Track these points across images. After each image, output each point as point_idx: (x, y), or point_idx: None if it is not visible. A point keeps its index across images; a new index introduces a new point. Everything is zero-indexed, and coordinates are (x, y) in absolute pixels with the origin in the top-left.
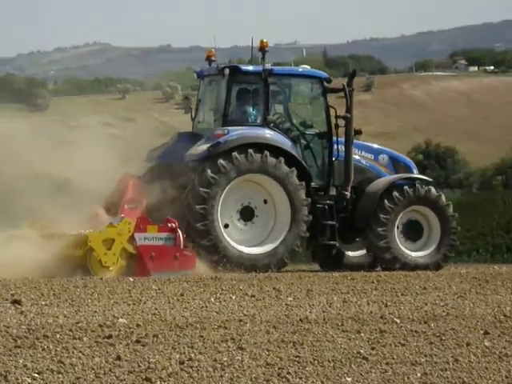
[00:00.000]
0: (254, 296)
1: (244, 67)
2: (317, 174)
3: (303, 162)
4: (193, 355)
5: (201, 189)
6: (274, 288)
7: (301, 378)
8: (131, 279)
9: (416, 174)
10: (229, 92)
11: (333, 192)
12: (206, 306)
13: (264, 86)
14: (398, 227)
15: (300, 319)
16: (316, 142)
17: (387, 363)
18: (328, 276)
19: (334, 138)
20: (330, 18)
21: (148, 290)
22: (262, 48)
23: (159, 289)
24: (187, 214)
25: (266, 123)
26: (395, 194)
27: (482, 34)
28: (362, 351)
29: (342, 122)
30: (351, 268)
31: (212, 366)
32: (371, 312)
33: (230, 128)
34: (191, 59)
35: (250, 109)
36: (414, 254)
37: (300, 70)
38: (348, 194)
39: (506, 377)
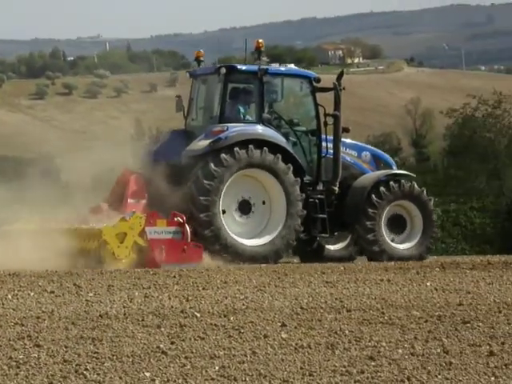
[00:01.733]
0: (53, 292)
1: (240, 66)
2: (307, 170)
3: (298, 159)
4: None
5: (205, 181)
6: (74, 284)
7: (99, 374)
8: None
9: (400, 170)
10: (225, 90)
11: (320, 187)
12: (3, 304)
13: (259, 84)
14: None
15: (100, 315)
16: (306, 139)
17: (186, 357)
18: (130, 271)
19: (323, 136)
20: (134, 12)
21: None
22: (258, 48)
23: None
24: (191, 206)
25: (261, 121)
26: (382, 189)
27: (282, 31)
28: (161, 346)
29: (330, 120)
30: (331, 260)
31: (7, 364)
32: (172, 306)
33: (229, 125)
34: None
35: (246, 107)
36: (399, 246)
37: (292, 69)
38: (336, 189)
39: (301, 368)
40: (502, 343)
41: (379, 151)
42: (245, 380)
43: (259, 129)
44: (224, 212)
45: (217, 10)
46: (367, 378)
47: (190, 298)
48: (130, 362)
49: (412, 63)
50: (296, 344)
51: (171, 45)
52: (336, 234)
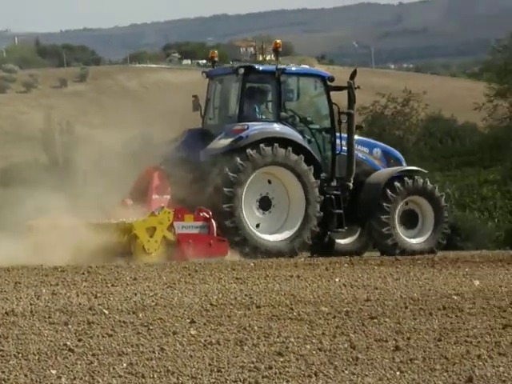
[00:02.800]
0: None
1: (258, 66)
2: (322, 167)
3: (318, 159)
4: None
5: (230, 173)
6: None
7: (3, 372)
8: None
9: (413, 167)
10: (243, 90)
11: (335, 183)
12: None
13: (277, 84)
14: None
15: (6, 312)
16: (320, 137)
17: (93, 354)
18: (38, 268)
19: (337, 134)
20: (43, 6)
21: None
22: (276, 48)
23: None
24: (214, 197)
25: (279, 119)
26: (397, 184)
27: (194, 27)
28: (68, 343)
29: (343, 118)
30: (342, 254)
31: None
32: (80, 304)
33: (249, 123)
34: None
35: (263, 106)
36: (411, 240)
37: (307, 69)
38: (351, 185)
39: (210, 364)
40: (408, 338)
41: (389, 148)
42: (152, 377)
43: (278, 127)
44: (245, 199)
45: (128, 5)
46: (275, 373)
47: (98, 294)
48: (36, 359)
49: (323, 61)
50: (205, 340)
51: (81, 40)
52: (346, 228)
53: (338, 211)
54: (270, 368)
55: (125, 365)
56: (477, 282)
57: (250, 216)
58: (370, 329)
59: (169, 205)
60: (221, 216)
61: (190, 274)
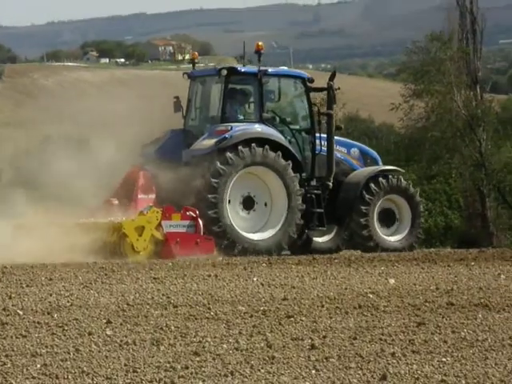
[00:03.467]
0: None
1: (241, 68)
2: (303, 167)
3: (297, 156)
4: None
5: (212, 179)
6: None
7: None
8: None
9: (389, 166)
10: (226, 91)
11: (314, 183)
12: None
13: (259, 85)
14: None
15: None
16: (301, 137)
17: (7, 355)
18: None
19: (316, 134)
20: None
21: None
22: (258, 50)
23: None
24: (200, 203)
25: (261, 120)
26: (373, 185)
27: (112, 25)
28: None
29: (323, 119)
30: (319, 252)
31: None
32: None
33: (232, 124)
34: None
35: (246, 107)
36: (391, 238)
37: (288, 70)
38: (331, 184)
39: (125, 364)
40: (324, 337)
41: (366, 147)
42: (67, 378)
43: (261, 128)
44: (229, 202)
45: (44, 3)
46: (191, 373)
47: (13, 295)
48: None
49: (242, 61)
50: (121, 341)
51: None
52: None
53: (318, 210)
54: (187, 368)
55: (39, 366)
56: (392, 281)
57: (235, 217)
58: (287, 328)
59: (154, 204)
60: (208, 221)
61: (106, 274)
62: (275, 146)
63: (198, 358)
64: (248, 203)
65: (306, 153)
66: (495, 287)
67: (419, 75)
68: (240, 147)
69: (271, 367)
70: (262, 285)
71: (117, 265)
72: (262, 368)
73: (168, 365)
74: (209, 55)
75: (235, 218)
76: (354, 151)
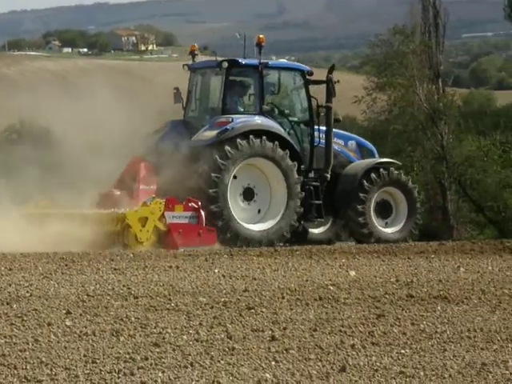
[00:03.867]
0: None
1: (242, 60)
2: (302, 159)
3: (295, 146)
4: None
5: (212, 174)
6: None
7: None
8: None
9: (388, 159)
10: (227, 83)
11: (312, 175)
12: None
13: (259, 77)
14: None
15: None
16: (299, 129)
17: None
18: None
19: (315, 126)
20: None
21: None
22: (259, 43)
23: None
24: (201, 198)
25: (261, 112)
26: (373, 175)
27: (74, 15)
28: None
29: (322, 111)
30: (315, 243)
31: None
32: None
33: (233, 116)
34: None
35: (246, 98)
36: (385, 229)
37: (288, 63)
38: (329, 176)
39: (85, 355)
40: (284, 328)
41: (363, 140)
42: (25, 368)
43: (261, 119)
44: (230, 194)
45: None
46: (151, 364)
47: None
48: None
49: (205, 51)
50: (80, 331)
51: None
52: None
53: (316, 202)
54: (146, 359)
55: None
56: (353, 273)
57: (236, 208)
58: (247, 319)
59: (155, 195)
60: (210, 215)
61: (67, 265)
62: (275, 137)
63: (157, 349)
64: (248, 194)
65: (305, 145)
66: (454, 280)
67: (382, 68)
68: (238, 140)
69: (231, 358)
70: (224, 276)
71: (77, 255)
72: (222, 359)
73: (127, 356)
74: (172, 45)
75: (236, 209)
76: (351, 143)
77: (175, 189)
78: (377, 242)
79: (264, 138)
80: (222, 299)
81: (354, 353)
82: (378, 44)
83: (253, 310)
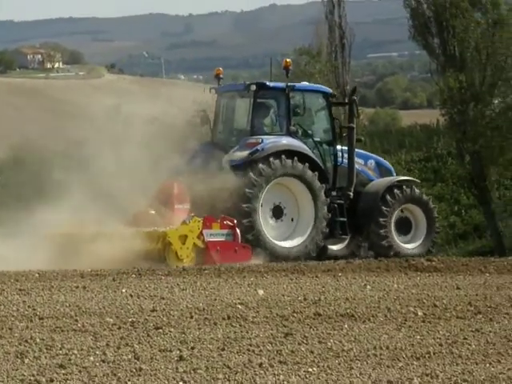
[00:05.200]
0: None
1: (269, 83)
2: (326, 177)
3: (322, 167)
4: None
5: (246, 190)
6: None
7: None
8: None
9: (408, 177)
10: (255, 105)
11: (335, 193)
12: None
13: (286, 100)
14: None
15: None
16: (323, 149)
17: None
18: None
19: (338, 147)
20: None
21: None
22: (286, 67)
23: None
24: (234, 212)
25: (289, 133)
26: (396, 191)
27: None
28: None
29: (344, 132)
30: (335, 259)
31: None
32: None
33: (263, 137)
34: None
35: (273, 120)
36: (404, 245)
37: (313, 86)
38: (351, 194)
39: None
40: (192, 348)
41: (381, 159)
42: None
43: (288, 140)
44: (261, 211)
45: None
46: None
47: None
48: None
49: (113, 70)
50: None
51: None
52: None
53: (341, 219)
54: (51, 381)
55: None
56: (261, 292)
57: (265, 226)
58: (155, 339)
59: (189, 214)
60: (242, 230)
61: None
62: (302, 157)
63: (63, 371)
64: (277, 212)
65: (328, 164)
66: (361, 297)
67: None
68: (271, 159)
69: (138, 379)
70: (131, 296)
71: None
72: (129, 380)
73: (32, 378)
74: (79, 63)
75: (266, 226)
76: (371, 163)
77: (208, 207)
78: (395, 255)
79: (296, 158)
80: (130, 319)
81: (261, 372)
82: None
83: (161, 330)
